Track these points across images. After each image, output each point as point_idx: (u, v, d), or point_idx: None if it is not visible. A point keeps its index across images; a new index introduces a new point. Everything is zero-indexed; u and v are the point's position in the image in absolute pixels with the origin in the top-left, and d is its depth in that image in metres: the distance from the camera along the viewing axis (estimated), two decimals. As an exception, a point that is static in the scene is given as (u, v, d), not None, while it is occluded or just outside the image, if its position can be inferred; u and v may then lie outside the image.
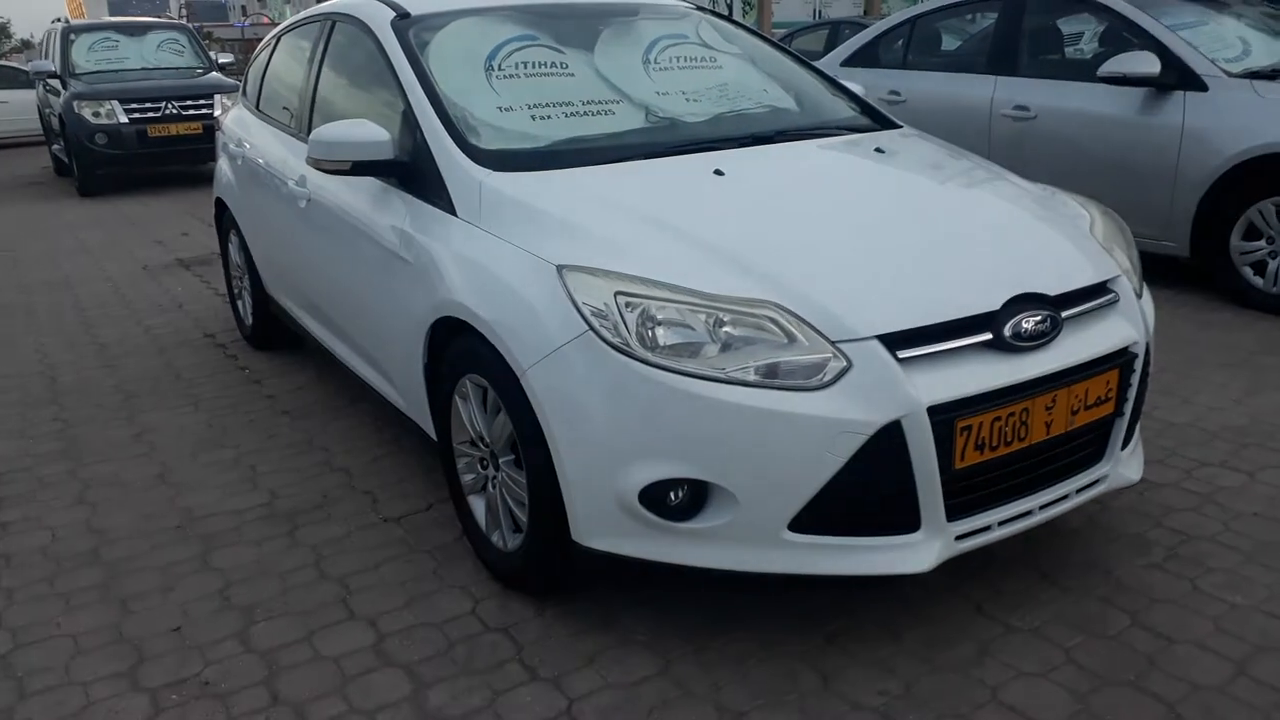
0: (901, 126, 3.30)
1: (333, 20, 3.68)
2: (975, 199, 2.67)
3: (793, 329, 2.07)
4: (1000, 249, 2.39)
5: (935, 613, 2.43)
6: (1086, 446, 2.40)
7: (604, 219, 2.40)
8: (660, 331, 2.11)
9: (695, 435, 2.07)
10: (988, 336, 2.17)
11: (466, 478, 2.73)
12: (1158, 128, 4.85)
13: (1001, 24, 5.69)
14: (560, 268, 2.25)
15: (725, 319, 2.10)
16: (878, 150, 2.93)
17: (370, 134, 2.82)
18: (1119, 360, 2.36)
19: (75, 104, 9.89)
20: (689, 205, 2.46)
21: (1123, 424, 2.44)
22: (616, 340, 2.11)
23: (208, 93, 10.38)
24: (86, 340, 5.06)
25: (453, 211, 2.65)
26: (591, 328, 2.14)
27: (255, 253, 4.34)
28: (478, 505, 2.71)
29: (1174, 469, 3.11)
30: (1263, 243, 4.61)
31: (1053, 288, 2.29)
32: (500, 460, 2.51)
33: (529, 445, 2.31)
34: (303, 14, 4.17)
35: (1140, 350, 2.41)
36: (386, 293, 2.92)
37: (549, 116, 2.96)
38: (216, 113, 10.22)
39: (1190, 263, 4.92)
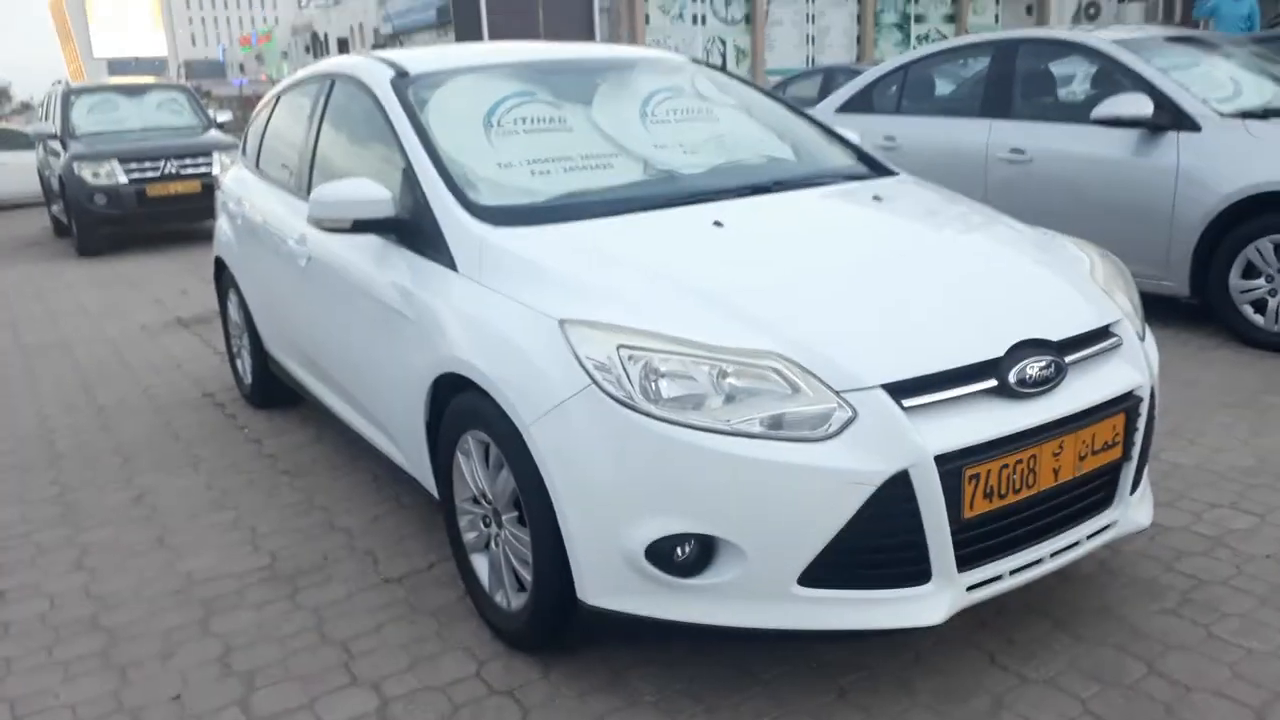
0: (898, 174, 3.31)
1: (332, 79, 3.72)
2: (975, 245, 2.67)
3: (797, 379, 2.06)
4: (1002, 295, 2.38)
5: (948, 665, 2.39)
6: (1095, 492, 2.37)
7: (605, 272, 2.40)
8: (663, 384, 2.10)
9: (701, 489, 2.05)
10: (993, 383, 2.16)
11: (469, 536, 2.70)
12: (1153, 169, 4.88)
13: (994, 68, 5.75)
14: (562, 322, 2.24)
15: (729, 370, 2.09)
16: (875, 198, 2.94)
17: (371, 193, 2.83)
18: (1124, 404, 2.34)
19: (75, 165, 9.96)
20: (689, 257, 2.46)
21: (1130, 468, 2.42)
22: (620, 394, 2.09)
23: (206, 150, 10.48)
24: (85, 402, 5.04)
25: (454, 267, 2.65)
26: (594, 381, 2.13)
27: (255, 311, 4.34)
28: (480, 564, 2.67)
29: (1183, 512, 3.08)
30: (1262, 281, 4.61)
31: (1056, 333, 2.29)
32: (503, 517, 2.49)
33: (532, 502, 2.28)
34: (302, 73, 4.22)
35: (1145, 394, 2.40)
36: (388, 350, 2.91)
37: (548, 171, 2.98)
38: (215, 171, 10.40)
39: (1190, 302, 4.92)
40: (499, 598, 2.58)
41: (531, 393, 2.23)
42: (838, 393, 2.05)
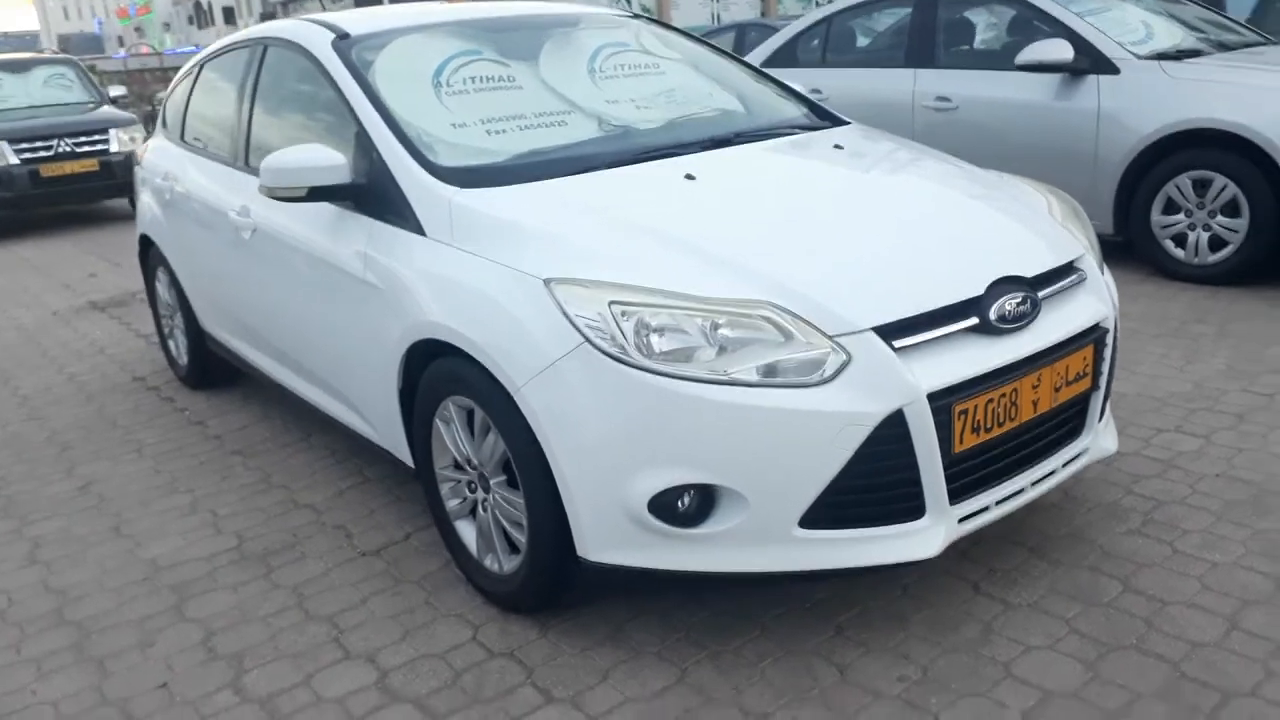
0: (850, 122, 3.35)
1: (264, 45, 3.58)
2: (940, 189, 2.72)
3: (789, 326, 2.08)
4: (974, 235, 2.44)
5: (935, 596, 2.47)
6: (1068, 422, 2.46)
7: (583, 229, 2.38)
8: (656, 338, 2.10)
9: (701, 439, 2.06)
10: (974, 321, 2.22)
11: (452, 503, 2.67)
12: (1075, 112, 5.04)
13: (917, 18, 5.84)
14: (547, 281, 2.22)
15: (721, 321, 2.10)
16: (836, 147, 2.97)
17: (325, 158, 2.74)
18: (1092, 336, 2.43)
19: (-39, 147, 9.41)
20: (667, 210, 2.46)
21: (1099, 397, 2.52)
22: (614, 350, 2.09)
23: (102, 127, 10.00)
24: (6, 393, 4.81)
25: (420, 231, 2.60)
26: (587, 339, 2.11)
27: (189, 289, 4.18)
28: (466, 530, 2.65)
29: (1133, 438, 3.22)
30: (1181, 216, 4.81)
31: (1028, 270, 2.35)
32: (491, 481, 2.47)
33: (525, 463, 2.27)
34: (226, 41, 4.05)
35: (1110, 325, 2.49)
36: (351, 320, 2.85)
37: (503, 131, 2.92)
38: (113, 148, 9.96)
39: (1115, 239, 5.10)
40: (489, 562, 2.56)
41: (520, 354, 2.21)
42: (831, 337, 2.08)
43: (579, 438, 2.15)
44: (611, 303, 2.12)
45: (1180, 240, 4.85)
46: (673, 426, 2.07)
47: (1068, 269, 2.48)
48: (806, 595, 2.50)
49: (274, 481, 3.50)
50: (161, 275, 4.53)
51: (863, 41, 6.39)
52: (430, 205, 2.60)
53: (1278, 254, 4.60)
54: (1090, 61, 5.01)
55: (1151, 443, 3.18)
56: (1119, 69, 4.93)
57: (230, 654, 2.49)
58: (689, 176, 2.63)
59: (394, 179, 2.70)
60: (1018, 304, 2.25)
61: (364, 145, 2.82)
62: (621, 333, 2.09)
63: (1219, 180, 4.63)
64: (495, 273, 2.34)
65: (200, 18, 55.90)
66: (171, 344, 4.66)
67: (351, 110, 2.91)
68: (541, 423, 2.18)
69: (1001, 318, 2.23)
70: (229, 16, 52.91)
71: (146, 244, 4.57)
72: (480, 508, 2.56)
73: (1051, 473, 2.41)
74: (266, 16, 48.23)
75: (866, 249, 2.31)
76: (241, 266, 3.52)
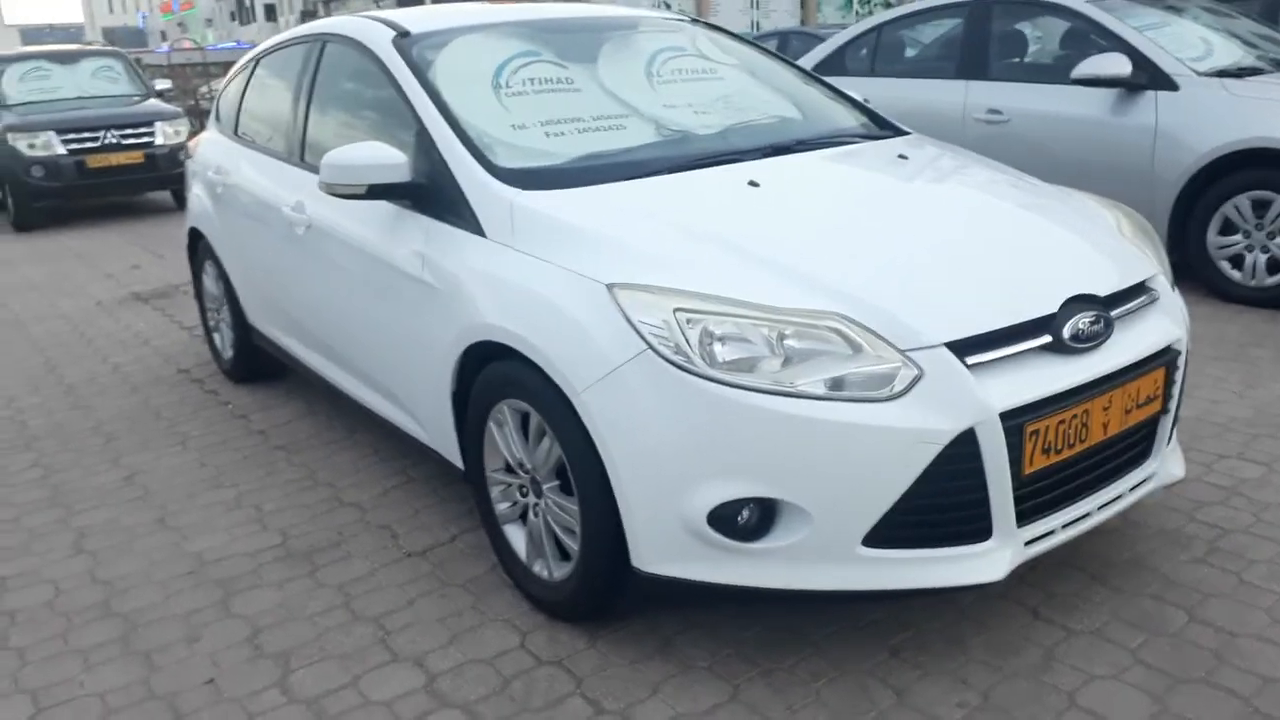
0: (910, 132, 3.30)
1: (323, 41, 3.58)
2: (1008, 203, 2.67)
3: (858, 339, 2.04)
4: (1046, 252, 2.39)
5: (993, 620, 2.41)
6: (1137, 445, 2.40)
7: (647, 235, 2.35)
8: (720, 347, 2.06)
9: (766, 452, 2.02)
10: (1047, 339, 2.16)
11: (502, 506, 2.65)
12: (1131, 128, 4.95)
13: (969, 29, 5.77)
14: (611, 286, 2.19)
15: (787, 332, 2.06)
16: (901, 157, 2.93)
17: (386, 156, 2.73)
18: (1165, 358, 2.37)
19: (9, 136, 9.52)
20: (732, 217, 2.42)
21: (1168, 421, 2.45)
22: (678, 358, 2.06)
23: (148, 120, 10.10)
24: (52, 381, 4.84)
25: (480, 233, 2.57)
26: (650, 346, 2.08)
27: (237, 282, 4.19)
28: (516, 535, 2.62)
29: (1195, 463, 3.14)
30: (1239, 237, 4.71)
31: (1102, 288, 2.30)
32: (544, 487, 2.44)
33: (582, 470, 2.24)
34: (283, 36, 4.06)
35: (1183, 348, 2.43)
36: (405, 319, 2.83)
37: (562, 133, 2.90)
38: (159, 140, 10.05)
39: (1171, 259, 4.99)
40: (538, 568, 2.53)
41: (581, 359, 2.18)
42: (902, 351, 2.03)
43: (638, 446, 2.11)
44: (676, 310, 2.09)
45: (1237, 261, 4.75)
46: (736, 438, 2.03)
47: (1140, 288, 2.42)
48: (859, 615, 2.45)
49: (319, 479, 3.49)
50: (209, 269, 4.55)
51: (913, 51, 6.33)
52: (491, 206, 2.58)
53: (1338, 278, 4.49)
54: (1148, 77, 4.92)
55: (1214, 469, 3.10)
56: (1178, 85, 4.84)
57: (277, 652, 2.48)
58: (752, 183, 2.59)
59: (454, 179, 2.68)
60: (1091, 323, 2.20)
61: (424, 145, 2.81)
62: (686, 340, 2.06)
63: (1279, 201, 4.53)
64: (557, 276, 2.31)
65: (242, 14, 56.52)
66: (216, 337, 4.68)
67: (412, 109, 2.90)
68: (600, 429, 2.15)
69: (1075, 337, 2.17)
70: (270, 13, 53.44)
71: (195, 237, 4.59)
72: (531, 513, 2.53)
73: (1119, 497, 2.35)
74: (307, 14, 48.69)
75: (937, 262, 2.26)
76: (293, 262, 3.52)
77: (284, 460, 3.68)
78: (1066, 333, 2.17)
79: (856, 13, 22.91)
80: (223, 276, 4.32)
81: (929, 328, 2.06)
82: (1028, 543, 2.16)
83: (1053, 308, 2.19)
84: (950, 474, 2.02)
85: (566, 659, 2.37)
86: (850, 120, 3.38)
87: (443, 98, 2.89)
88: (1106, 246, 2.48)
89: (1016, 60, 5.73)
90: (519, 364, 2.38)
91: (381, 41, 3.17)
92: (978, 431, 2.01)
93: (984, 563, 2.10)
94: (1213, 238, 4.78)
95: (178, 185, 10.23)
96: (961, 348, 2.06)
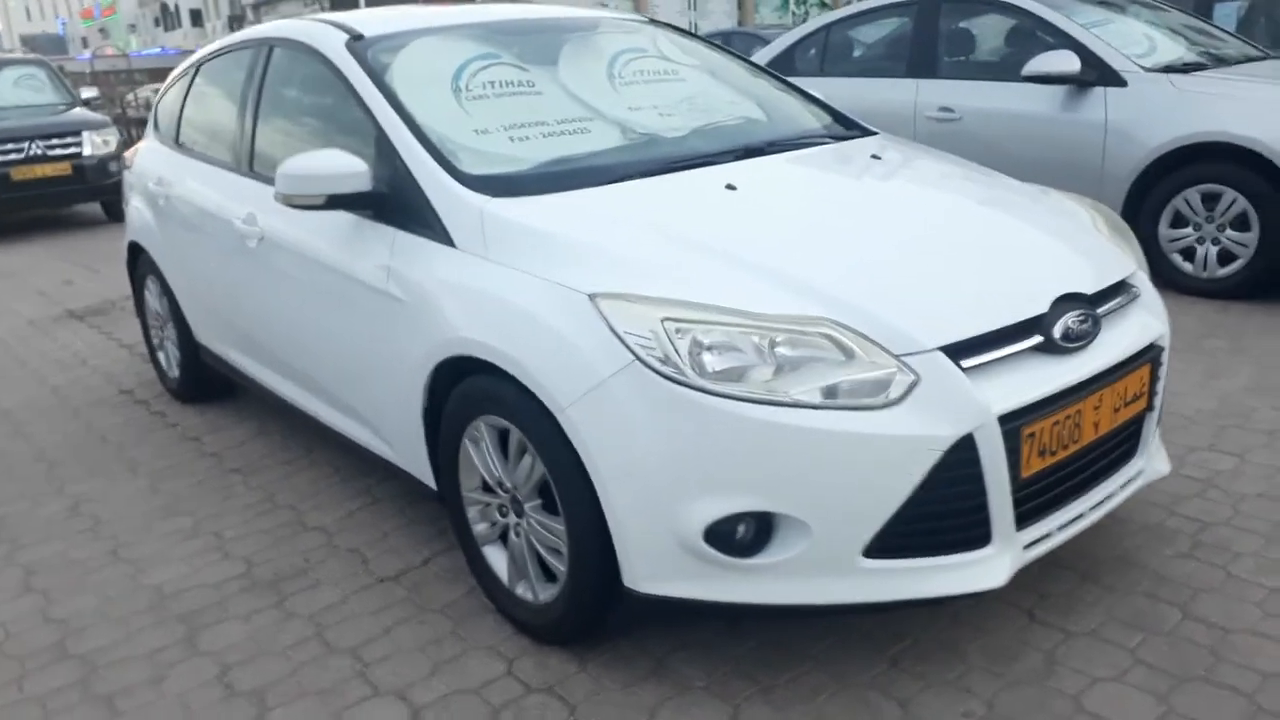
0: (877, 132, 3.27)
1: (269, 46, 3.44)
2: (987, 202, 2.64)
3: (851, 345, 1.99)
4: (1031, 251, 2.36)
5: (989, 624, 2.38)
6: (1124, 443, 2.39)
7: (627, 241, 2.27)
8: (709, 357, 1.99)
9: (763, 464, 1.96)
10: (1038, 339, 2.14)
11: (479, 527, 2.55)
12: (1082, 124, 5.00)
13: (918, 28, 5.78)
14: (593, 296, 2.11)
15: (779, 339, 2.00)
16: (874, 157, 2.89)
17: (346, 165, 2.62)
18: (1150, 355, 2.36)
19: (-73, 149, 9.13)
20: (712, 222, 2.35)
21: (1153, 418, 2.45)
22: (668, 370, 1.98)
23: (75, 130, 9.74)
24: (-14, 406, 4.62)
25: (449, 242, 2.48)
26: (638, 358, 2.01)
27: (183, 299, 4.03)
28: (496, 557, 2.53)
29: (1168, 457, 3.15)
30: (1189, 229, 4.78)
31: (1088, 286, 2.28)
32: (526, 506, 2.35)
33: (568, 488, 2.16)
34: (225, 41, 3.90)
35: (1165, 343, 2.42)
36: (369, 334, 2.72)
37: (527, 138, 2.81)
38: (86, 151, 9.71)
39: (1121, 252, 5.05)
40: (521, 591, 2.44)
41: (565, 373, 2.10)
42: (897, 357, 1.98)
43: (629, 462, 2.03)
44: (665, 319, 2.02)
45: (1189, 254, 4.82)
46: (731, 450, 1.96)
47: (1122, 286, 2.41)
48: (853, 625, 2.40)
49: (279, 501, 3.35)
50: (151, 284, 4.37)
51: (862, 51, 6.34)
52: (460, 215, 2.48)
53: (1288, 267, 4.58)
54: (1097, 74, 4.97)
55: (1187, 461, 3.12)
56: (1126, 81, 4.90)
57: (250, 690, 2.35)
58: (730, 187, 2.53)
59: (419, 187, 2.58)
60: (1080, 322, 2.17)
61: (385, 152, 2.70)
62: (676, 351, 1.99)
63: (1228, 194, 4.61)
64: (535, 287, 2.22)
65: (167, 20, 55.19)
66: (161, 356, 4.49)
67: (371, 116, 2.79)
68: (588, 445, 2.07)
69: (1065, 336, 2.15)
70: (196, 19, 52.28)
71: (136, 251, 4.40)
72: (512, 533, 2.44)
73: (1110, 495, 2.34)
74: (234, 19, 47.74)
75: (924, 265, 2.22)
76: (245, 276, 3.37)
77: (240, 483, 3.53)
78: (1057, 332, 2.14)
79: (793, 14, 23.09)
80: (167, 292, 4.15)
81: (923, 332, 2.02)
82: (1026, 546, 2.13)
83: (1043, 308, 2.16)
84: (949, 480, 1.98)
85: (557, 685, 2.28)
86: (815, 120, 3.34)
87: (402, 103, 2.78)
88: (1088, 244, 2.47)
89: (966, 58, 5.76)
90: (496, 379, 2.29)
91: (334, 45, 3.05)
92: (977, 436, 1.97)
93: (984, 569, 2.06)
94: (1164, 231, 4.84)
95: (108, 196, 9.91)
96: (956, 351, 2.02)
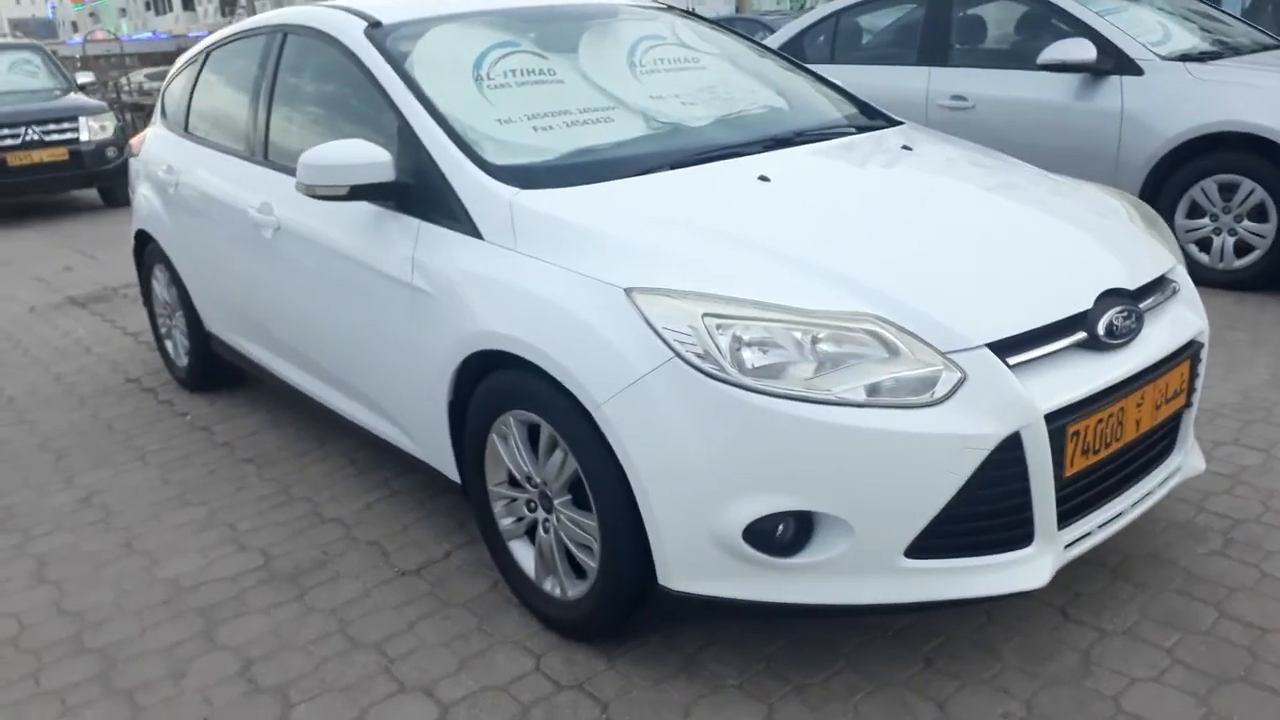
0: (903, 122, 3.22)
1: (284, 33, 3.38)
2: (1025, 195, 2.60)
3: (896, 341, 1.95)
4: (1073, 246, 2.32)
5: (1023, 623, 2.35)
6: (1163, 440, 2.36)
7: (662, 235, 2.23)
8: (749, 353, 1.95)
9: (806, 463, 1.92)
10: (1083, 336, 2.10)
11: (505, 522, 2.51)
12: (1097, 113, 4.96)
13: (930, 15, 5.73)
14: (629, 291, 2.06)
15: (821, 335, 1.96)
16: (905, 148, 2.85)
17: (370, 155, 2.56)
18: (1190, 351, 2.33)
19: (-77, 133, 9.03)
20: (748, 215, 2.31)
21: (1191, 415, 2.42)
22: (709, 366, 1.94)
23: (71, 115, 9.65)
24: (-10, 394, 4.56)
25: (476, 234, 2.43)
26: (678, 354, 1.97)
27: (193, 287, 3.97)
28: (522, 552, 2.50)
29: (1193, 451, 3.13)
30: (1206, 220, 4.75)
31: (1131, 282, 2.24)
32: (555, 502, 2.31)
33: (602, 485, 2.12)
34: (236, 28, 3.84)
35: (1205, 339, 2.39)
36: (392, 326, 2.67)
37: (550, 127, 2.76)
38: (84, 136, 9.61)
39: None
40: (549, 586, 2.41)
41: (601, 369, 2.06)
42: (943, 354, 1.95)
43: (667, 460, 2.00)
44: (705, 315, 1.97)
45: (1205, 245, 4.79)
46: (773, 449, 1.92)
47: (1162, 281, 2.38)
48: (886, 623, 2.37)
49: (294, 493, 3.31)
50: (159, 273, 4.31)
51: (872, 38, 6.28)
52: (487, 207, 2.43)
53: (1304, 260, 4.55)
54: (1114, 62, 4.93)
55: (1214, 457, 3.09)
56: (1143, 70, 4.86)
57: (273, 686, 2.32)
58: (763, 178, 2.49)
59: (445, 178, 2.53)
60: (1124, 318, 2.14)
61: (409, 142, 2.65)
62: (717, 347, 1.95)
63: (1246, 184, 4.58)
64: (568, 281, 2.18)
65: (158, 4, 54.74)
66: (169, 344, 4.44)
67: (393, 104, 2.73)
68: (624, 443, 2.03)
69: (1109, 332, 2.11)
70: (188, 3, 51.86)
71: (144, 240, 4.34)
72: (541, 529, 2.40)
73: (1149, 493, 2.31)
74: (227, 3, 47.37)
75: (966, 260, 2.18)
76: (260, 266, 3.32)
77: (254, 474, 3.49)
78: (1101, 329, 2.11)
79: (790, 1, 22.94)
80: (176, 280, 4.09)
81: (969, 328, 1.98)
82: (1067, 546, 2.10)
83: (1087, 303, 2.12)
84: (994, 480, 1.95)
85: (587, 682, 2.25)
86: (839, 109, 3.30)
87: (425, 92, 2.73)
88: (1127, 239, 2.43)
89: (979, 46, 5.71)
90: (527, 374, 2.25)
91: (353, 32, 3.00)
92: (1023, 435, 1.94)
93: (1027, 569, 2.03)
94: (1180, 221, 4.81)
95: (106, 182, 9.82)
96: (1002, 348, 1.98)
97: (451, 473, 2.66)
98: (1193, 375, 2.36)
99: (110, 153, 9.67)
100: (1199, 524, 2.72)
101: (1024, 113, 5.24)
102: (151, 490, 3.41)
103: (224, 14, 46.97)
